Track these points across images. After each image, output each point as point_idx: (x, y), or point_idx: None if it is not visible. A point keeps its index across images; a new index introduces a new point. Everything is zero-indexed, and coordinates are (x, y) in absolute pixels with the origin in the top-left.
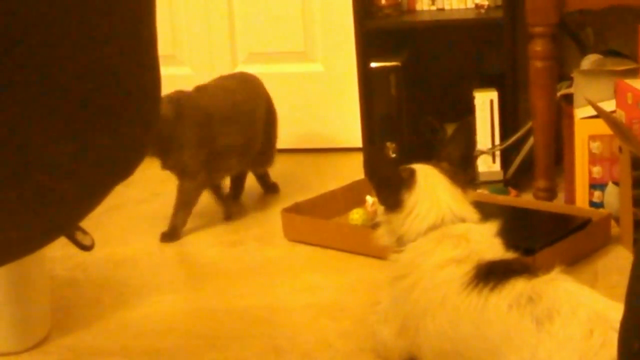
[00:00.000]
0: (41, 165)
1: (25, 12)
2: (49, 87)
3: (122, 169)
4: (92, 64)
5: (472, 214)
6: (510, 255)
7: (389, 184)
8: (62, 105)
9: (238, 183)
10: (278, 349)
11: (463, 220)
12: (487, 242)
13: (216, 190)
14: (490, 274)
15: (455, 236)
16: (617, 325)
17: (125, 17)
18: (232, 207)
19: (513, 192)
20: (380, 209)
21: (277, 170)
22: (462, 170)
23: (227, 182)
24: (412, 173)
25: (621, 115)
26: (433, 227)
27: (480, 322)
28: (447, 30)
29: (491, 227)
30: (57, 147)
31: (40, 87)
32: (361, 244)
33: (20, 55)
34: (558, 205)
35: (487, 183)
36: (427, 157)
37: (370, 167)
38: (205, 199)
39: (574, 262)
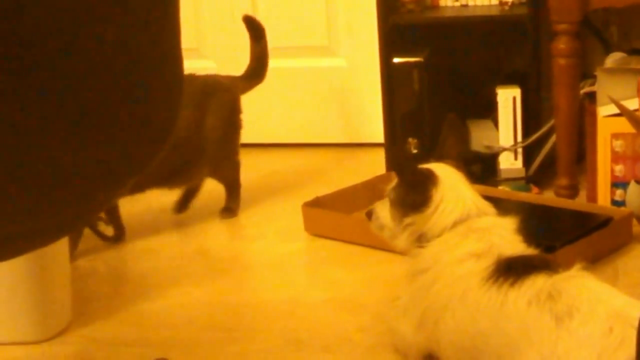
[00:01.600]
0: (60, 156)
1: (37, 11)
2: (73, 83)
3: (142, 160)
4: (115, 56)
5: (491, 207)
6: (530, 251)
7: (416, 182)
8: (81, 101)
9: (187, 196)
10: (297, 342)
11: (486, 214)
12: (508, 236)
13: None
14: (510, 269)
15: (480, 230)
16: (637, 323)
17: (149, 9)
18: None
19: (535, 189)
20: (389, 224)
21: (299, 164)
22: (464, 167)
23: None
24: (431, 170)
25: None
26: (459, 221)
27: (499, 318)
28: (470, 26)
29: (512, 222)
30: (77, 140)
31: (63, 83)
32: (382, 239)
33: (41, 49)
34: (579, 203)
35: (509, 180)
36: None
37: (399, 167)
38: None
39: (594, 260)
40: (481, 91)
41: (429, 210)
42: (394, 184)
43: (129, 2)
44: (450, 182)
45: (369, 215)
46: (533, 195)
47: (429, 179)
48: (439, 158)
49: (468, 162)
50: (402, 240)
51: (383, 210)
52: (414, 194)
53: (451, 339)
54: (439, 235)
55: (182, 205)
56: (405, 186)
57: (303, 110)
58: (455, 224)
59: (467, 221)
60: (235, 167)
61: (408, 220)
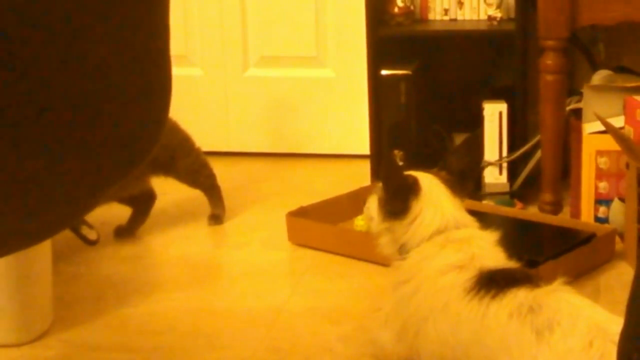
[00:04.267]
0: (45, 160)
1: (22, 17)
2: (59, 89)
3: (128, 165)
4: (103, 62)
5: (472, 221)
6: (512, 264)
7: (399, 191)
8: (68, 106)
9: (136, 216)
10: (279, 351)
11: (465, 226)
12: (489, 248)
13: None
14: (492, 282)
15: (458, 241)
16: (617, 338)
17: (138, 16)
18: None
19: (519, 204)
20: (376, 218)
21: (284, 173)
22: (461, 182)
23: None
24: (415, 180)
25: (629, 131)
26: (437, 233)
27: (480, 330)
28: (458, 40)
29: (492, 235)
30: (62, 144)
31: (49, 89)
32: (365, 250)
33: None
34: (563, 219)
35: (493, 194)
36: (432, 166)
37: (387, 175)
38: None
39: (577, 276)
40: (468, 105)
41: (407, 220)
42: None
43: (118, 8)
44: (432, 194)
45: (364, 202)
46: (517, 210)
47: (411, 190)
48: (442, 167)
49: (466, 179)
50: (384, 244)
51: (373, 203)
52: (395, 201)
53: (432, 350)
54: (417, 246)
55: (129, 228)
56: (386, 192)
57: (290, 120)
58: (432, 235)
59: (445, 232)
60: (203, 169)
61: (386, 224)
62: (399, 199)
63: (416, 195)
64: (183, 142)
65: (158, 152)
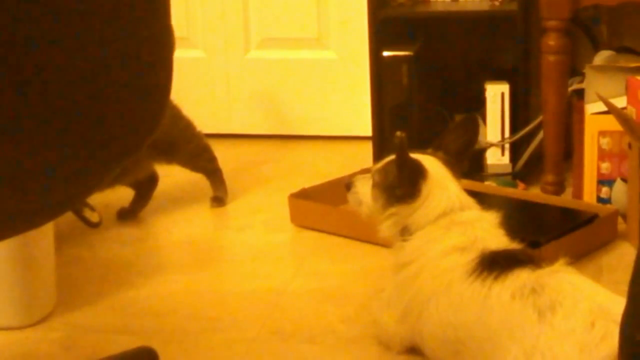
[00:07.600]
0: (49, 143)
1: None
2: (65, 79)
3: (132, 148)
4: (104, 48)
5: (474, 203)
6: (515, 245)
7: (410, 175)
8: (73, 92)
9: (139, 198)
10: (282, 332)
11: (469, 208)
12: (492, 230)
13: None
14: (495, 263)
15: (463, 223)
16: (619, 319)
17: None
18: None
19: (521, 185)
20: (368, 203)
21: (286, 155)
22: (457, 162)
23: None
24: (421, 163)
25: (632, 111)
26: (442, 215)
27: (482, 311)
28: (460, 21)
29: (495, 216)
30: (61, 127)
31: (56, 80)
32: (368, 232)
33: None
34: (565, 199)
35: (496, 175)
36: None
37: (400, 161)
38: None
39: (579, 257)
40: (470, 86)
41: (416, 204)
42: (380, 167)
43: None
44: (437, 176)
45: (348, 186)
46: (519, 191)
47: (420, 172)
48: (437, 147)
49: (462, 159)
50: (384, 228)
51: (364, 187)
52: (404, 185)
53: (434, 331)
54: (422, 228)
55: (132, 210)
56: (399, 177)
57: (292, 102)
58: (438, 218)
59: (450, 214)
60: (205, 154)
61: (392, 210)
62: (407, 182)
63: (424, 178)
64: (185, 130)
65: (160, 139)
